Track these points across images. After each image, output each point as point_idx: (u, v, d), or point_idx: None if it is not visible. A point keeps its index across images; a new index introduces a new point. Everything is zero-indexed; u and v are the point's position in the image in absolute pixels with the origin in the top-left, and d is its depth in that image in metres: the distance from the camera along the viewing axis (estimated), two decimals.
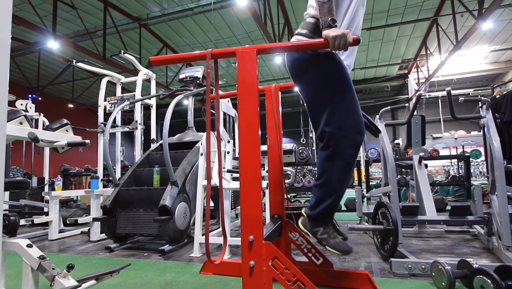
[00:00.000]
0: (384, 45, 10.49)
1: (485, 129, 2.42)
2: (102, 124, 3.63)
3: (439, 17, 8.64)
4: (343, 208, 4.32)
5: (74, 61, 3.94)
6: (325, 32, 1.25)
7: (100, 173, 3.61)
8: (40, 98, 10.93)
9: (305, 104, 1.52)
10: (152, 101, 3.94)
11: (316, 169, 6.51)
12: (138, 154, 3.74)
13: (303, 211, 1.59)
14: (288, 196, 4.32)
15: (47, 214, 3.71)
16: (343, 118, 1.38)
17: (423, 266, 1.82)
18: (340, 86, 1.40)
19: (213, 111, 4.09)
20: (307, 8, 1.56)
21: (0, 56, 1.02)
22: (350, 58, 1.57)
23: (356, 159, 1.44)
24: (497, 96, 3.71)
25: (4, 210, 3.46)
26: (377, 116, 2.90)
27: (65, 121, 2.05)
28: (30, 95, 7.41)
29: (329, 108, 1.39)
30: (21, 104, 3.77)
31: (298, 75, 1.51)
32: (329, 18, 1.27)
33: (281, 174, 1.89)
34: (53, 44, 7.47)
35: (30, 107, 3.87)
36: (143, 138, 3.86)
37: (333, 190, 1.42)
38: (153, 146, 3.60)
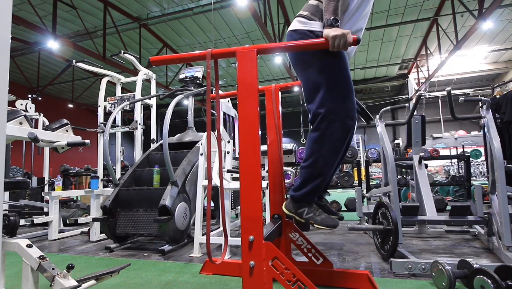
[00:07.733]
0: (384, 45, 10.49)
1: (485, 129, 2.41)
2: (102, 124, 3.63)
3: (439, 17, 8.64)
4: (343, 208, 4.32)
5: (74, 61, 3.94)
6: (326, 32, 1.26)
7: (100, 173, 3.60)
8: (40, 98, 10.92)
9: (302, 89, 1.54)
10: (152, 101, 3.95)
11: None
12: (138, 154, 3.74)
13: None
14: (288, 196, 4.31)
15: (47, 214, 3.71)
16: (336, 102, 1.40)
17: (423, 266, 1.82)
18: (336, 72, 1.42)
19: (213, 111, 4.09)
20: None
21: (0, 56, 1.02)
22: (363, 20, 1.53)
23: (344, 144, 1.45)
24: (497, 96, 3.72)
25: (4, 210, 3.46)
26: (377, 116, 2.90)
27: (65, 121, 2.05)
28: (30, 95, 7.41)
29: (323, 92, 1.41)
30: (21, 104, 3.77)
31: (297, 60, 1.53)
32: (332, 18, 1.28)
33: (281, 174, 1.89)
34: (53, 44, 7.47)
35: (30, 107, 3.87)
36: (143, 138, 3.86)
37: (320, 172, 1.44)
38: (153, 146, 3.60)
